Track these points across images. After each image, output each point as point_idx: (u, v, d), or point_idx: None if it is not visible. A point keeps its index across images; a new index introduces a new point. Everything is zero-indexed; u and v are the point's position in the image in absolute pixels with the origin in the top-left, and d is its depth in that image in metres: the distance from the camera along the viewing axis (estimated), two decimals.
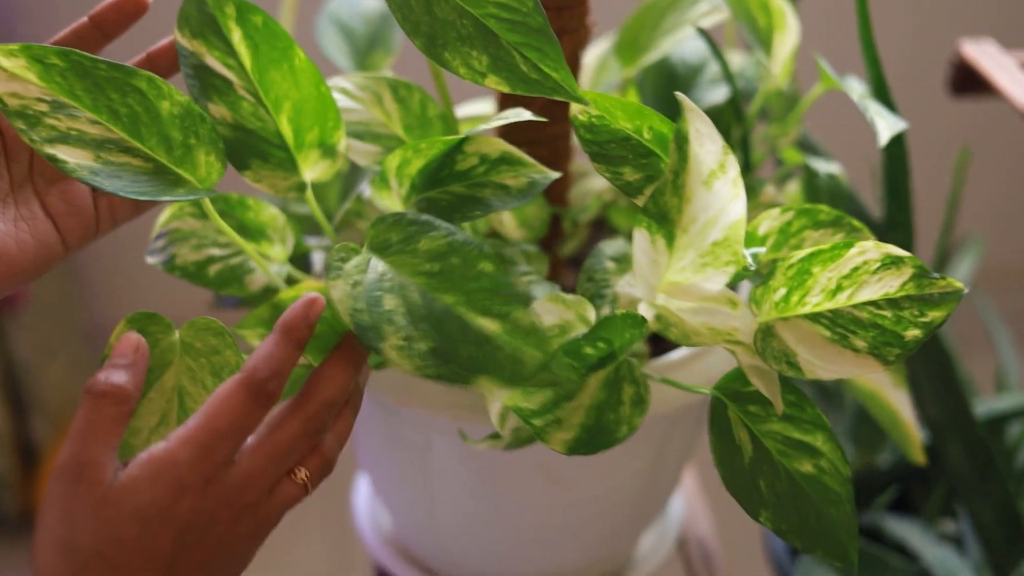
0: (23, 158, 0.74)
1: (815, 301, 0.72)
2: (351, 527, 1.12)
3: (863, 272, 0.71)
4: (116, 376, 0.67)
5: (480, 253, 0.68)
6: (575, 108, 0.74)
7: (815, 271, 0.72)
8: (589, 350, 0.72)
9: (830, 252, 0.72)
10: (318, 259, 0.91)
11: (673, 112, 0.81)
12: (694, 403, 0.87)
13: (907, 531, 1.12)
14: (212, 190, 0.74)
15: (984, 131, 1.93)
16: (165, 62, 0.77)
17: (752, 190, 0.86)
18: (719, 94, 0.94)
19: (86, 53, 0.71)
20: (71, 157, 0.70)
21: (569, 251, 0.96)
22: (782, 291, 0.72)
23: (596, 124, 0.74)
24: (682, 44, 0.95)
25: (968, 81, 1.09)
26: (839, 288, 0.71)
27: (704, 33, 0.90)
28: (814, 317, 0.72)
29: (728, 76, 0.91)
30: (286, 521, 0.74)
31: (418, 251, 0.69)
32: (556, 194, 0.91)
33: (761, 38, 0.89)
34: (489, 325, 0.66)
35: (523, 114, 0.78)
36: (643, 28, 0.93)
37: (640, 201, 0.75)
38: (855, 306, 0.71)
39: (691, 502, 1.15)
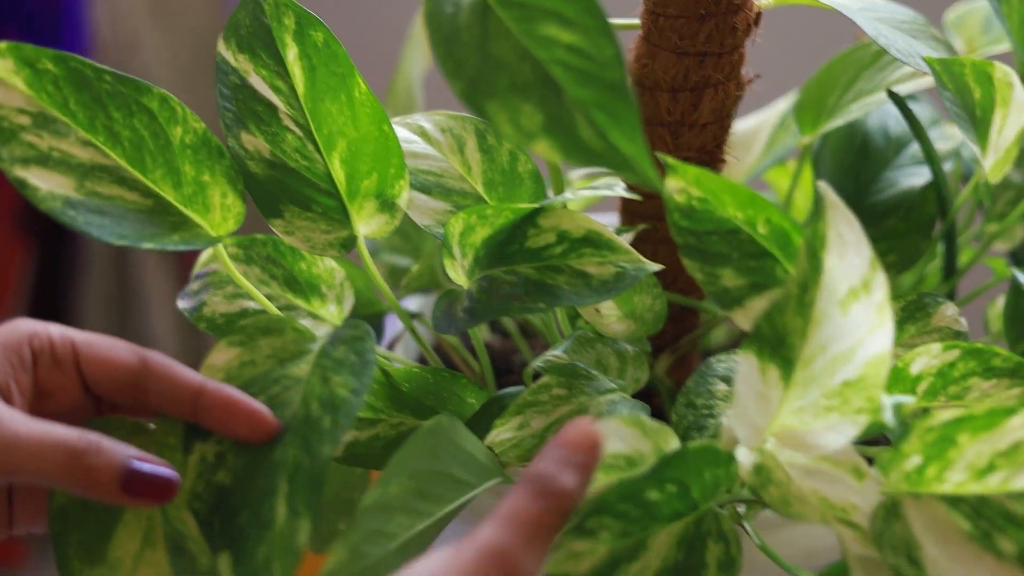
0: None
1: (957, 479, 0.53)
2: None
3: None
4: (569, 480, 0.53)
5: None
6: (670, 186, 0.58)
7: (961, 440, 0.53)
8: (654, 495, 0.55)
9: (984, 419, 0.53)
10: (392, 327, 0.77)
11: (854, 191, 0.64)
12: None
13: None
14: (220, 239, 0.61)
15: None
16: None
17: (923, 308, 0.67)
18: (923, 176, 0.75)
19: (90, 61, 0.60)
20: (46, 183, 0.58)
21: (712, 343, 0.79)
22: (916, 459, 0.54)
23: (697, 208, 0.58)
24: (884, 108, 0.76)
25: None
26: (991, 468, 0.53)
27: (897, 98, 0.71)
28: (953, 501, 0.53)
29: (930, 156, 0.72)
30: None
31: None
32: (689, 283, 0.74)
33: (974, 115, 0.69)
34: None
35: (616, 187, 0.62)
36: (833, 87, 0.75)
37: (739, 317, 0.58)
38: (1009, 495, 0.52)
39: None
